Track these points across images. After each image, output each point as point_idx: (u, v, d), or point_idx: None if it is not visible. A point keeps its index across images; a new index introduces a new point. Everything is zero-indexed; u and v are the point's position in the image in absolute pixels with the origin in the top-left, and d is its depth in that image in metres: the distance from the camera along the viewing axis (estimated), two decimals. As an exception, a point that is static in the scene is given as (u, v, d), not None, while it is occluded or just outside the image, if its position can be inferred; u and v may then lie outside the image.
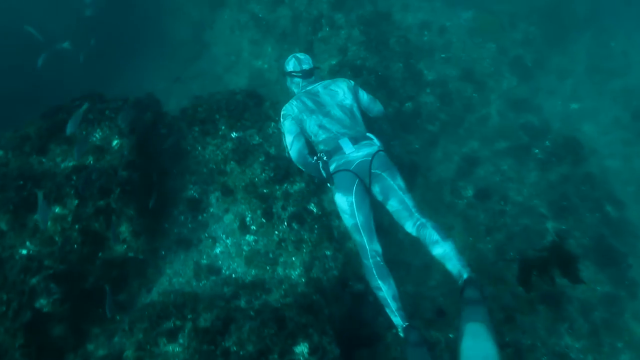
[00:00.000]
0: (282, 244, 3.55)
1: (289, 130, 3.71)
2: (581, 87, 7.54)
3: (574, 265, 3.53)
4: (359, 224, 3.29)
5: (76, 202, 2.98)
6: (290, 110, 3.76)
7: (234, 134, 4.05)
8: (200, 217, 3.79)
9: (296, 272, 3.44)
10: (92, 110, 3.51)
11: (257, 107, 4.30)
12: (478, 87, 6.33)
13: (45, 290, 2.63)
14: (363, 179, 3.39)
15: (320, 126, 3.65)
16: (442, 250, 3.03)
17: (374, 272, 3.16)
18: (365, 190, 3.42)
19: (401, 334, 2.93)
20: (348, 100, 3.82)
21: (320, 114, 3.69)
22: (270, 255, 3.52)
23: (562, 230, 4.81)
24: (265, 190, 3.78)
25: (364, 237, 3.29)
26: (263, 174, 3.77)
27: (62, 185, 3.04)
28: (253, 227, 3.66)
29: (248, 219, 3.70)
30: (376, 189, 3.44)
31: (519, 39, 7.07)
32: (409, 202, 3.36)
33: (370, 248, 3.26)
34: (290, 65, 4.14)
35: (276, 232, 3.61)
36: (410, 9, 7.20)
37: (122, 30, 9.14)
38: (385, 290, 3.07)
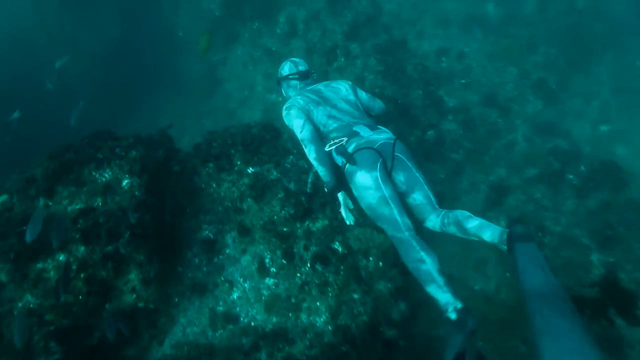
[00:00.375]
0: (305, 288, 3.25)
1: (297, 115, 3.54)
2: (609, 108, 7.23)
3: (631, 303, 3.15)
4: (387, 196, 3.07)
5: (82, 248, 2.76)
6: (295, 101, 3.63)
7: (251, 169, 3.84)
8: (215, 259, 3.53)
9: (322, 319, 3.12)
10: (102, 149, 3.35)
11: (274, 140, 4.11)
12: (502, 112, 6.10)
13: (45, 350, 2.37)
14: (385, 160, 3.22)
15: (330, 116, 3.53)
16: (478, 221, 2.89)
17: (414, 243, 2.87)
18: (387, 173, 3.22)
19: (452, 316, 2.51)
20: (351, 97, 3.77)
21: (327, 105, 3.59)
22: (293, 300, 3.22)
23: (610, 263, 4.40)
24: (285, 229, 3.52)
25: (394, 209, 3.03)
26: (282, 211, 3.53)
27: (68, 230, 2.83)
28: (273, 270, 3.38)
29: (267, 260, 3.42)
30: (400, 178, 3.27)
31: (541, 61, 6.88)
32: (433, 198, 3.24)
33: (402, 220, 3.00)
34: (286, 68, 4.08)
35: (298, 275, 3.32)
36: (425, 36, 7.13)
37: (136, 68, 9.28)
38: (430, 263, 2.75)
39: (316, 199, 3.64)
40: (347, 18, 6.57)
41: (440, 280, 2.67)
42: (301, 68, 4.04)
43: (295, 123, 3.57)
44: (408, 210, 3.28)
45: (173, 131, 4.28)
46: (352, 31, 6.57)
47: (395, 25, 7.22)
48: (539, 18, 7.34)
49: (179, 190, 3.81)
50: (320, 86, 3.87)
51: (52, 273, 2.69)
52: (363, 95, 4.00)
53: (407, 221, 3.05)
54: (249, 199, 3.68)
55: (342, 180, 3.45)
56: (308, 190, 3.54)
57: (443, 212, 3.12)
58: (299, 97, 3.70)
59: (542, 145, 6.06)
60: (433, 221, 3.19)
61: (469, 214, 2.98)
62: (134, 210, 3.03)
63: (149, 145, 3.64)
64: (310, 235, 3.47)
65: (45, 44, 9.70)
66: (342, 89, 3.84)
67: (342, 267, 3.32)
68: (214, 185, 3.86)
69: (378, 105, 4.08)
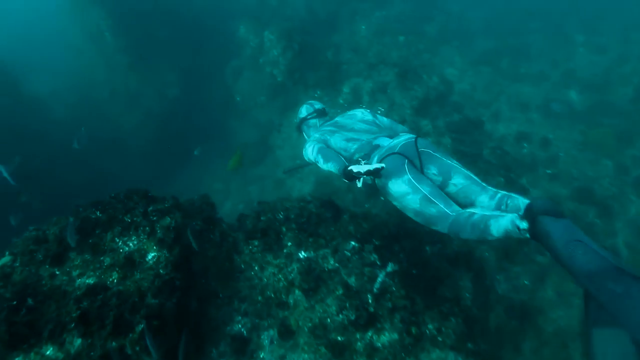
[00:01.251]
0: None
1: (311, 146, 3.51)
2: None
3: None
4: (427, 194, 2.91)
5: (79, 341, 2.13)
6: (312, 138, 3.62)
7: (303, 253, 3.19)
8: (245, 367, 2.78)
9: None
10: (133, 210, 2.85)
11: (334, 220, 3.49)
12: (601, 212, 5.22)
13: None
14: (412, 160, 3.09)
15: (348, 139, 3.46)
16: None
17: (460, 211, 2.76)
18: (418, 171, 3.09)
19: (524, 224, 2.38)
20: (368, 117, 3.73)
21: (344, 131, 3.57)
22: None
23: None
24: (340, 338, 2.76)
25: (440, 204, 2.86)
26: (340, 315, 2.78)
27: (68, 313, 2.23)
28: (319, 395, 2.57)
29: (313, 379, 2.63)
30: (432, 171, 3.11)
31: (640, 156, 6.06)
32: (475, 176, 3.04)
33: (451, 209, 2.82)
34: (303, 111, 4.10)
35: (353, 409, 2.48)
36: (501, 118, 6.59)
37: (189, 126, 9.30)
38: (479, 210, 2.69)
39: (383, 302, 2.89)
40: (417, 93, 6.19)
41: (494, 212, 2.59)
42: (317, 107, 4.07)
43: (308, 152, 3.52)
44: (454, 200, 3.09)
45: (216, 195, 3.84)
46: (422, 107, 6.15)
47: (467, 105, 6.77)
48: (634, 108, 6.64)
49: (213, 268, 3.19)
50: (337, 118, 3.87)
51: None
52: (384, 119, 3.89)
53: (456, 207, 2.87)
54: (297, 292, 2.99)
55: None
56: (375, 290, 2.81)
57: (500, 195, 2.84)
58: (316, 134, 3.69)
59: (648, 255, 5.05)
60: (485, 203, 2.87)
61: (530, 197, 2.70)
62: (155, 294, 2.42)
63: (187, 212, 3.12)
64: (373, 353, 2.67)
65: (106, 100, 10.08)
66: (358, 113, 3.80)
67: (415, 407, 2.46)
68: (256, 267, 3.22)
69: (401, 128, 3.91)
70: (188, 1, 10.21)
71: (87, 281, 2.49)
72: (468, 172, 3.07)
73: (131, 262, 2.58)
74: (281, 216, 3.36)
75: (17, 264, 2.54)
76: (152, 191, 3.28)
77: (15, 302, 2.18)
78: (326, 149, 3.41)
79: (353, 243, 3.36)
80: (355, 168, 2.98)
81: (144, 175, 9.39)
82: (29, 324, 2.17)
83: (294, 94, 7.45)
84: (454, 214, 2.79)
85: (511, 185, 5.17)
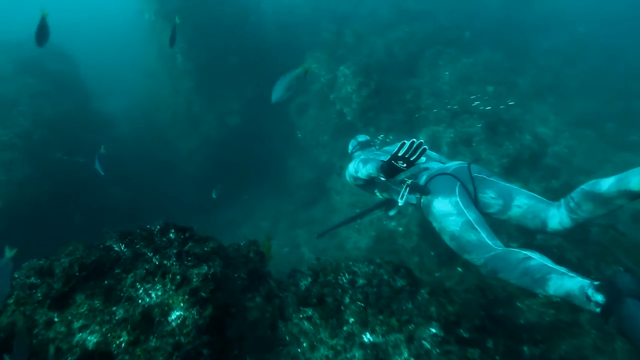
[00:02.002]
0: None
1: (354, 160, 3.55)
2: None
3: None
4: (472, 220, 2.82)
5: None
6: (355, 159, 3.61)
7: (369, 336, 2.47)
8: None
9: None
10: (164, 251, 2.30)
11: (411, 294, 2.76)
12: None
13: None
14: (465, 184, 3.03)
15: None
16: (613, 178, 2.49)
17: (512, 249, 2.61)
18: (470, 198, 3.01)
19: (598, 298, 2.09)
20: None
21: (388, 155, 3.41)
22: None
23: None
24: None
25: (482, 232, 2.75)
26: None
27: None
28: None
29: None
30: (490, 194, 3.06)
31: None
32: (540, 196, 2.97)
33: (494, 242, 2.70)
34: (350, 146, 4.21)
35: None
36: None
37: (246, 157, 9.03)
38: (539, 256, 2.49)
39: None
40: (508, 150, 5.43)
41: (559, 268, 2.36)
42: (361, 139, 4.16)
43: (350, 170, 3.53)
44: (520, 226, 3.06)
45: (261, 234, 3.34)
46: (513, 166, 5.35)
47: (564, 170, 5.88)
48: None
49: (252, 337, 2.54)
50: (384, 148, 3.93)
51: None
52: (433, 153, 3.81)
53: (499, 242, 2.75)
54: (356, 391, 2.25)
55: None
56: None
57: (563, 199, 2.77)
58: (361, 156, 3.70)
59: None
60: (557, 216, 2.80)
61: (594, 180, 2.60)
62: (170, 374, 1.78)
63: (230, 260, 2.53)
64: None
65: (168, 122, 10.14)
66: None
67: None
68: (305, 344, 2.52)
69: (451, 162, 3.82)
70: (262, 31, 10.28)
71: (88, 338, 1.92)
72: (530, 192, 2.97)
73: (148, 321, 2.00)
74: (345, 281, 2.68)
75: (11, 301, 2.04)
76: (196, 221, 2.79)
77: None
78: (365, 158, 3.36)
79: (434, 330, 2.59)
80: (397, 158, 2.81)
81: (192, 201, 9.16)
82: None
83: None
84: (500, 248, 2.66)
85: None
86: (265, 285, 2.72)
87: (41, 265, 2.14)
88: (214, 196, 6.41)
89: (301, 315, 2.60)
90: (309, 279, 2.74)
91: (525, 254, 2.55)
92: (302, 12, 11.36)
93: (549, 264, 2.45)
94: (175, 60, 9.24)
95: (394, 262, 3.10)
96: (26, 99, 7.90)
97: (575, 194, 2.73)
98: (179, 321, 2.03)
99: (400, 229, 5.86)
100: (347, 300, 2.60)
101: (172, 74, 9.52)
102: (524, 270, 2.45)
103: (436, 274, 4.80)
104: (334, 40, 9.38)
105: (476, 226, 2.80)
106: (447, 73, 7.43)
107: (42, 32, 4.25)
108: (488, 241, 2.72)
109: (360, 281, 2.68)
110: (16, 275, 2.12)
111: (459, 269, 4.48)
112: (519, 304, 3.45)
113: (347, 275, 2.73)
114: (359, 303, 2.59)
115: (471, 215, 2.86)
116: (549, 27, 9.90)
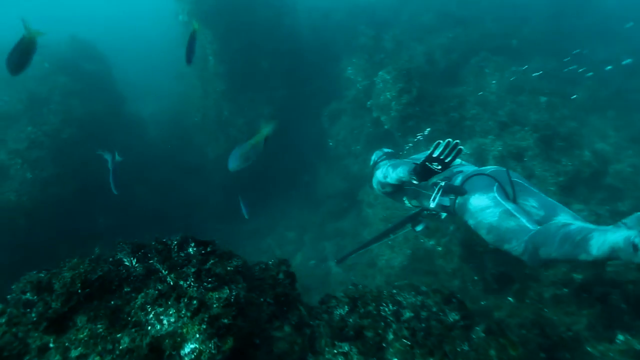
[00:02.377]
0: None
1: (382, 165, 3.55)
2: None
3: None
4: (510, 209, 2.72)
5: None
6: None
7: (417, 383, 2.08)
8: None
9: None
10: (180, 269, 2.00)
11: (464, 331, 2.36)
12: None
13: None
14: (503, 186, 2.92)
15: None
16: None
17: (550, 222, 2.57)
18: (509, 198, 2.87)
19: None
20: None
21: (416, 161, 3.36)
22: None
23: None
24: None
25: (522, 218, 2.64)
26: None
27: None
28: None
29: None
30: (531, 203, 2.87)
31: None
32: (584, 221, 2.70)
33: (533, 226, 2.56)
34: (374, 156, 4.17)
35: None
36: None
37: (275, 164, 8.79)
38: (580, 221, 2.52)
39: None
40: (566, 167, 4.93)
41: (601, 227, 2.27)
42: (386, 150, 4.09)
43: (378, 177, 3.50)
44: None
45: (287, 245, 3.01)
46: (570, 185, 4.85)
47: (629, 192, 5.32)
48: None
49: (275, 372, 2.20)
50: (412, 156, 3.83)
51: None
52: (465, 162, 3.68)
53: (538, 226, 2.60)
54: None
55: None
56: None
57: (612, 225, 2.36)
58: (388, 162, 3.56)
59: None
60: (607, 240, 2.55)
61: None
62: None
63: (255, 281, 2.21)
64: None
65: (197, 126, 10.02)
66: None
67: None
68: (339, 386, 2.16)
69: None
70: (297, 35, 10.07)
71: (86, 372, 1.62)
72: (575, 213, 2.81)
73: (158, 354, 1.69)
74: (389, 312, 2.31)
75: (3, 320, 1.77)
76: (220, 230, 2.48)
77: None
78: (395, 163, 3.31)
79: (494, 381, 2.18)
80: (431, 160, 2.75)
81: (218, 208, 8.97)
82: None
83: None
84: (538, 227, 2.56)
85: None
86: (295, 312, 2.38)
87: (40, 278, 1.87)
88: (246, 217, 6.11)
89: (335, 351, 2.25)
90: (346, 308, 2.39)
91: (565, 221, 2.48)
92: (339, 17, 11.10)
93: (590, 224, 2.38)
94: (207, 62, 9.12)
95: (443, 291, 2.71)
96: (58, 97, 7.91)
97: (630, 219, 2.47)
98: (192, 356, 1.71)
99: (439, 248, 5.40)
100: (390, 336, 2.22)
101: (202, 77, 9.41)
102: (564, 236, 2.31)
103: (482, 302, 4.34)
104: (372, 45, 9.06)
105: (515, 213, 2.70)
106: (494, 82, 6.97)
107: (21, 58, 3.01)
108: (527, 224, 2.61)
109: (407, 314, 2.30)
110: (13, 291, 1.86)
111: (509, 298, 4.02)
112: (589, 349, 2.98)
113: (390, 305, 2.36)
114: (405, 341, 2.21)
115: (509, 205, 2.77)
116: (603, 36, 9.30)
